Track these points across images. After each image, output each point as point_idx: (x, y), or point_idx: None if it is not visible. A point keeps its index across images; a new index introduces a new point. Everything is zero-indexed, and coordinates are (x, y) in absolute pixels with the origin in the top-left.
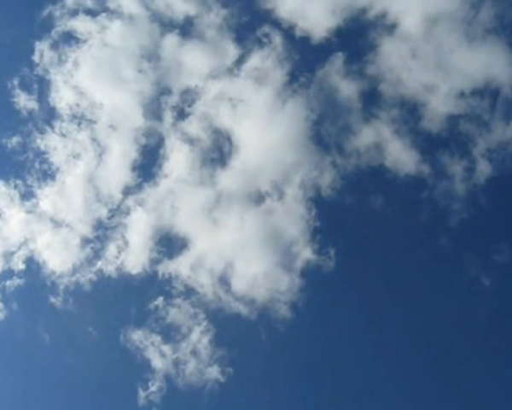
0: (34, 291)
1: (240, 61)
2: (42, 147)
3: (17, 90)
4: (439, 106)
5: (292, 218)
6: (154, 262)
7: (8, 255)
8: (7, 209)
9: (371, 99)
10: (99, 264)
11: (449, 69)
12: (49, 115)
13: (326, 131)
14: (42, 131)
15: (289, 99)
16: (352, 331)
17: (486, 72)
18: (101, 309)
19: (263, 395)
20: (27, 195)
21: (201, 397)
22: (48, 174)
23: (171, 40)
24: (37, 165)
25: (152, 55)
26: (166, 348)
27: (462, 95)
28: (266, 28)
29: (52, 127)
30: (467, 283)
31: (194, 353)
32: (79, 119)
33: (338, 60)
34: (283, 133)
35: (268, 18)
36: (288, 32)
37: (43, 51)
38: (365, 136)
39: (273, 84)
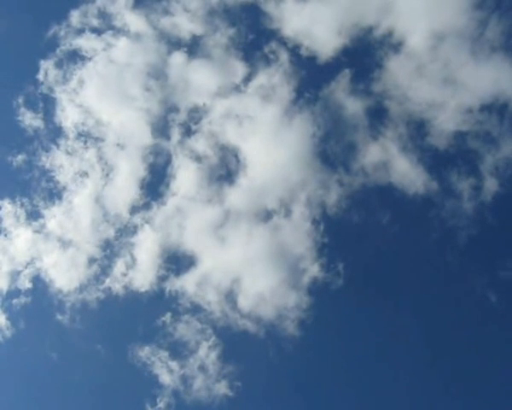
0: (41, 309)
1: (246, 78)
2: (47, 165)
3: (22, 109)
4: (447, 123)
5: (299, 235)
6: (162, 279)
7: (15, 274)
8: (13, 228)
9: (378, 116)
10: (107, 282)
11: (456, 86)
12: (55, 134)
13: (332, 149)
14: (47, 150)
15: (296, 116)
16: (361, 348)
17: (494, 88)
18: (109, 326)
19: None
20: (34, 214)
21: None
22: (54, 193)
23: (178, 58)
24: (43, 183)
25: (159, 74)
26: (174, 364)
27: (469, 111)
28: (273, 46)
29: (58, 145)
30: (473, 299)
31: (202, 368)
32: (85, 137)
33: (344, 77)
34: (290, 150)
35: (274, 36)
36: (295, 50)
37: (47, 70)
38: (372, 153)
39: (280, 102)
